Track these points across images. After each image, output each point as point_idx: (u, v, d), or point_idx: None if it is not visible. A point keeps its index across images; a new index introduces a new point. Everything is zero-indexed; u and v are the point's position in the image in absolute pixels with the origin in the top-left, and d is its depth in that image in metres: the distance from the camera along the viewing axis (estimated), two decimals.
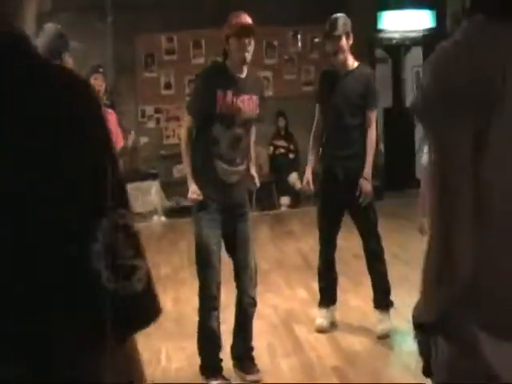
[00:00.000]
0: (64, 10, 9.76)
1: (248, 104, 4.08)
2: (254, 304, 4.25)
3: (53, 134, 0.96)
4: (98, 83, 5.68)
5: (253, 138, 4.34)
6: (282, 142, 10.74)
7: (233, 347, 4.31)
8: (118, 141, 5.90)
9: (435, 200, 1.40)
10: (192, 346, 4.28)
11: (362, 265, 6.52)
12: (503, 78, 1.32)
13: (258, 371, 4.27)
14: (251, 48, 4.00)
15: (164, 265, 7.07)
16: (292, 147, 10.70)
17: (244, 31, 3.97)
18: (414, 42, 11.71)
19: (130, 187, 9.89)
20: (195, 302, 4.24)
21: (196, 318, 4.19)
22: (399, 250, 6.71)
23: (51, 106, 0.97)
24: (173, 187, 9.94)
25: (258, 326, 5.05)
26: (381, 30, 11.25)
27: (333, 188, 4.85)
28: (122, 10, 9.96)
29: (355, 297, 5.69)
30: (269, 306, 5.57)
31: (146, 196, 10.33)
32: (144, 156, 10.63)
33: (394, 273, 6.13)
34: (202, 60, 10.36)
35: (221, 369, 4.18)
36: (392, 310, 5.10)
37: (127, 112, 10.45)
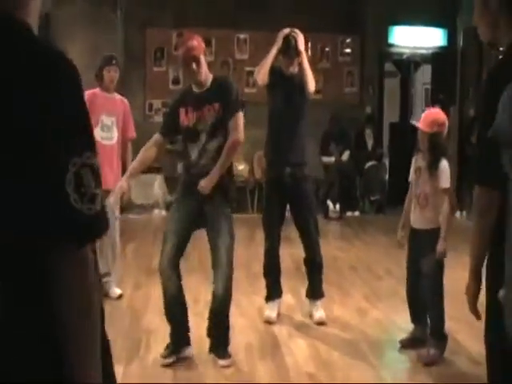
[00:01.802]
0: (77, 0, 9.89)
1: (208, 113, 4.35)
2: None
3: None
4: (112, 74, 5.75)
5: (229, 140, 4.39)
6: None
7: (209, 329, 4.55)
8: (131, 130, 5.93)
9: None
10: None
11: (355, 277, 6.60)
12: None
13: (229, 356, 4.50)
14: (201, 67, 4.34)
15: (156, 256, 7.11)
16: None
17: (188, 60, 4.31)
18: (424, 59, 11.77)
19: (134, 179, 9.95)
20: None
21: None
22: (394, 266, 6.78)
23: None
24: (176, 182, 9.92)
25: (239, 325, 5.14)
26: (391, 45, 11.31)
27: None
28: (135, 2, 10.03)
29: (340, 307, 5.76)
30: (254, 307, 5.64)
31: (149, 189, 10.39)
32: None
33: (383, 287, 6.21)
34: (211, 58, 10.38)
35: None
36: (375, 322, 5.19)
37: (135, 104, 10.42)
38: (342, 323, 5.36)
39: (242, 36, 10.44)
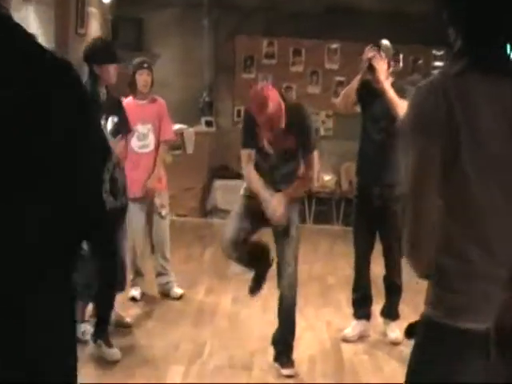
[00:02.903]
0: (171, 5, 10.07)
1: (283, 142, 4.34)
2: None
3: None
4: (145, 77, 5.72)
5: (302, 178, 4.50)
6: None
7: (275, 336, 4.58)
8: (167, 133, 5.86)
9: (410, 193, 1.83)
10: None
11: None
12: (464, 115, 1.75)
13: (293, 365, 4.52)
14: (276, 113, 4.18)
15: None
16: None
17: (274, 126, 4.25)
18: None
19: (219, 184, 10.04)
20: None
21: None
22: None
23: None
24: None
25: (305, 337, 5.09)
26: None
27: None
28: (227, 9, 10.10)
29: None
30: (322, 321, 5.57)
31: (233, 194, 10.42)
32: (237, 155, 10.70)
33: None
34: (300, 68, 10.40)
35: None
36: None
37: (223, 110, 10.58)
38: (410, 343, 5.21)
39: (332, 46, 10.38)
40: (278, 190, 4.39)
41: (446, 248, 1.81)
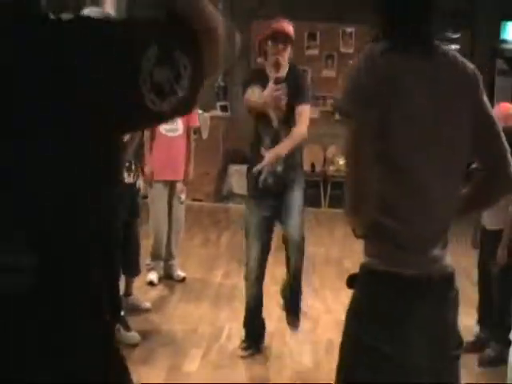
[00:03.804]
0: None
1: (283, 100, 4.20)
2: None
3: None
4: None
5: (294, 131, 4.30)
6: None
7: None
8: (193, 120, 5.90)
9: (348, 160, 2.02)
10: None
11: None
12: (395, 86, 1.93)
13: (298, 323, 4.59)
14: (287, 52, 4.23)
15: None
16: None
17: (278, 36, 4.20)
18: None
19: (234, 168, 10.06)
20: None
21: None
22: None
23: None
24: None
25: (323, 321, 5.12)
26: (504, 41, 10.88)
27: None
28: None
29: None
30: (340, 303, 5.59)
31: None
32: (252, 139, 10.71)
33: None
34: (316, 51, 10.39)
35: None
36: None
37: (238, 95, 10.53)
38: None
39: (347, 30, 10.35)
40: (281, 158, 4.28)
41: (384, 209, 1.98)
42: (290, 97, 4.20)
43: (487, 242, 4.56)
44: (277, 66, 4.25)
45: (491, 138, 2.07)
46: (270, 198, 4.38)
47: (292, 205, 4.39)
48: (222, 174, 10.26)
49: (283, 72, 4.27)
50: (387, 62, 1.94)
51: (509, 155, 2.08)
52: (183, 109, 1.32)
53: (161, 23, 1.29)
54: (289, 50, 4.27)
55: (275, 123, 4.31)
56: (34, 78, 1.19)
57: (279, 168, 4.33)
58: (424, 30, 2.02)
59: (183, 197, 5.92)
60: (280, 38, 4.22)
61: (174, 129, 5.75)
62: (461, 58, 2.06)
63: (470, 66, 2.06)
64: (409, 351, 1.97)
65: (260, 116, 4.30)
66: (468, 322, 4.85)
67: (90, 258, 1.33)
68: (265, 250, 4.45)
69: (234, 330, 4.85)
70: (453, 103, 2.00)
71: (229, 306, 5.39)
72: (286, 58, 4.26)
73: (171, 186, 5.84)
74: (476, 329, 4.74)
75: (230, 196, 10.17)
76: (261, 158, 4.22)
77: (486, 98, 2.08)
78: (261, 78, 4.28)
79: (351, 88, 1.98)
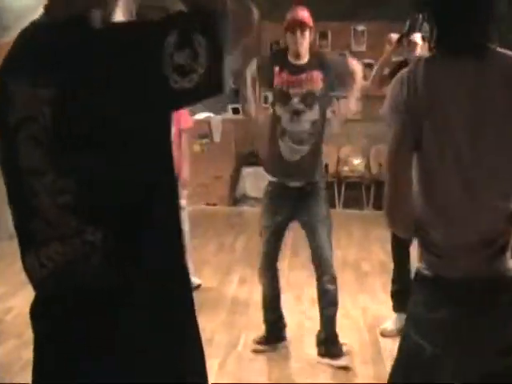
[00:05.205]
0: None
1: (305, 80, 4.19)
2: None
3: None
4: None
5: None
6: None
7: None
8: (184, 121, 5.76)
9: (387, 168, 2.06)
10: None
11: None
12: (430, 97, 1.96)
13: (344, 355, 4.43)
14: (306, 38, 4.19)
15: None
16: None
17: (295, 25, 4.16)
18: None
19: (248, 171, 9.98)
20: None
21: None
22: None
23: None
24: None
25: (341, 326, 5.00)
26: None
27: None
28: None
29: None
30: (358, 308, 5.48)
31: (262, 181, 10.35)
32: (264, 141, 10.63)
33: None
34: (328, 51, 10.26)
35: None
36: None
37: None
38: None
39: (359, 28, 10.22)
40: (300, 142, 4.25)
41: (421, 215, 2.05)
42: (319, 79, 4.20)
43: None
44: (297, 55, 4.22)
45: None
46: (288, 198, 4.30)
47: (319, 227, 4.29)
48: (235, 177, 10.17)
49: (304, 60, 4.24)
50: (429, 71, 1.96)
51: None
52: (209, 86, 1.42)
53: (178, 11, 1.44)
54: (307, 36, 4.20)
55: (294, 104, 4.21)
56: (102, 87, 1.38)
57: (297, 156, 4.27)
58: (475, 32, 1.97)
59: (184, 202, 5.82)
60: (296, 26, 4.16)
61: None
62: None
63: None
64: (457, 355, 2.01)
65: (277, 94, 4.26)
66: None
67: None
68: (277, 246, 4.45)
69: (251, 338, 4.74)
70: (499, 114, 1.93)
71: (245, 313, 5.29)
72: (305, 45, 4.21)
73: None
74: None
75: (244, 199, 10.08)
76: (280, 139, 4.25)
77: None
78: (280, 58, 4.29)
79: (391, 96, 2.05)
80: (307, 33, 4.18)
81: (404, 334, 2.16)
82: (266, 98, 10.40)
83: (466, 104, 1.93)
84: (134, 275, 1.44)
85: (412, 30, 4.59)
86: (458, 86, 1.95)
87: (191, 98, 1.47)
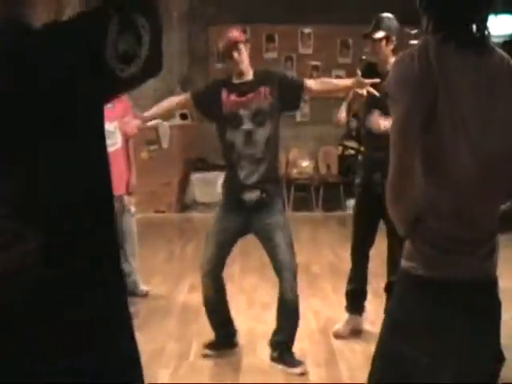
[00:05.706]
0: None
1: (253, 99, 4.18)
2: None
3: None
4: None
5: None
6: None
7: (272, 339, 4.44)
8: (130, 127, 5.46)
9: (393, 149, 1.92)
10: None
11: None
12: (446, 79, 1.89)
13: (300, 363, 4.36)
14: (242, 56, 4.20)
15: None
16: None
17: (229, 49, 4.19)
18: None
19: (197, 177, 9.90)
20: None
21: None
22: None
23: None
24: None
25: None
26: None
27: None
28: (199, 0, 9.95)
29: None
30: (310, 311, 5.44)
31: (211, 187, 10.30)
32: (214, 147, 10.56)
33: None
34: (274, 54, 10.26)
35: None
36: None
37: None
38: None
39: (305, 30, 10.23)
40: (257, 163, 4.19)
41: (426, 208, 1.95)
42: (268, 94, 4.18)
43: None
44: (240, 73, 4.23)
45: None
46: (244, 212, 4.27)
47: (278, 241, 4.23)
48: (184, 183, 10.08)
49: (248, 76, 4.25)
50: (441, 55, 1.92)
51: None
52: (151, 69, 1.47)
53: None
54: (243, 51, 4.21)
55: (246, 123, 4.18)
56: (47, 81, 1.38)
57: (254, 178, 4.21)
58: (480, 27, 1.99)
59: (133, 209, 5.75)
60: (230, 49, 4.18)
61: (113, 143, 5.55)
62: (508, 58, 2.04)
63: None
64: (445, 360, 1.95)
65: (228, 119, 4.21)
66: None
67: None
68: (225, 255, 4.40)
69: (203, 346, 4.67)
70: (506, 104, 1.97)
71: (196, 321, 5.20)
72: (245, 61, 4.23)
73: (119, 200, 5.60)
74: None
75: (193, 205, 9.99)
76: (237, 164, 4.20)
77: None
78: (225, 83, 4.30)
79: (402, 74, 1.94)
80: (242, 47, 4.19)
81: (384, 336, 2.08)
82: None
83: (478, 91, 1.94)
84: (74, 279, 1.46)
85: (376, 28, 4.57)
86: (470, 72, 1.94)
87: (137, 82, 1.50)
